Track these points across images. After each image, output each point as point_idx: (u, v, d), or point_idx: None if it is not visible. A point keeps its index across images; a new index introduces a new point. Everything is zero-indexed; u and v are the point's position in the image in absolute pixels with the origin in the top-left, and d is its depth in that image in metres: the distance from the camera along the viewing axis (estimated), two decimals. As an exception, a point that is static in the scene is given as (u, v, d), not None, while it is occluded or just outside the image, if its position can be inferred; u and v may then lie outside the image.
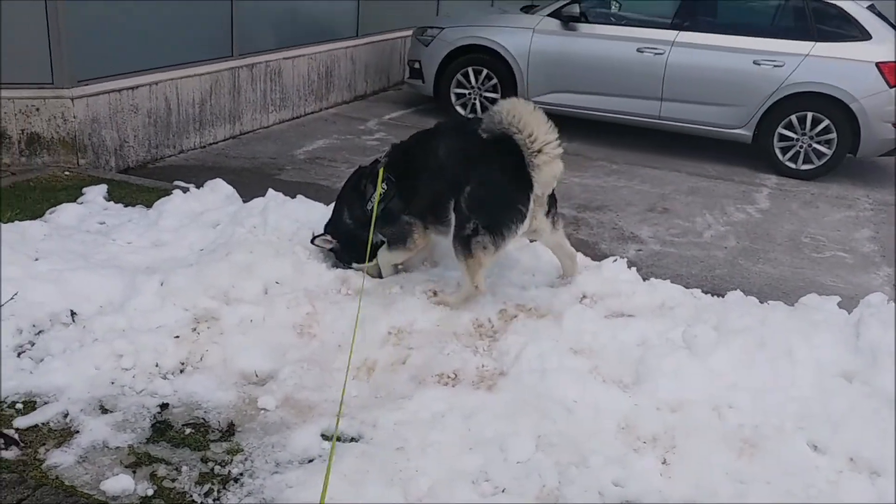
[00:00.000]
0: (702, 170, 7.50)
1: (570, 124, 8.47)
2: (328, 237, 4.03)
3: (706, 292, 4.18)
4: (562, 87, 8.04)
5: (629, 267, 4.22)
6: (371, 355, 3.43)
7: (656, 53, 7.66)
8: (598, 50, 7.87)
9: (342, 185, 4.18)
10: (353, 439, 2.92)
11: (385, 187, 3.85)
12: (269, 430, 2.94)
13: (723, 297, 4.10)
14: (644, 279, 4.18)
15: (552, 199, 3.85)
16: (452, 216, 3.71)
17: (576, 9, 7.98)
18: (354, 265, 4.03)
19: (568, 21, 8.01)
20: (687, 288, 4.16)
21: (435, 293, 3.90)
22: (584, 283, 4.01)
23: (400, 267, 4.14)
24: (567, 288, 3.99)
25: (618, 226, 5.78)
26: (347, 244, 4.00)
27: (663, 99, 7.73)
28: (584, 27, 7.99)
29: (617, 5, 8.81)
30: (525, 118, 3.51)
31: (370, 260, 3.99)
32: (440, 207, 3.76)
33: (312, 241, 4.06)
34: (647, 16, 8.53)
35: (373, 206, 3.84)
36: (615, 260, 4.21)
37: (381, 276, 4.09)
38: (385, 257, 4.03)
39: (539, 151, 3.53)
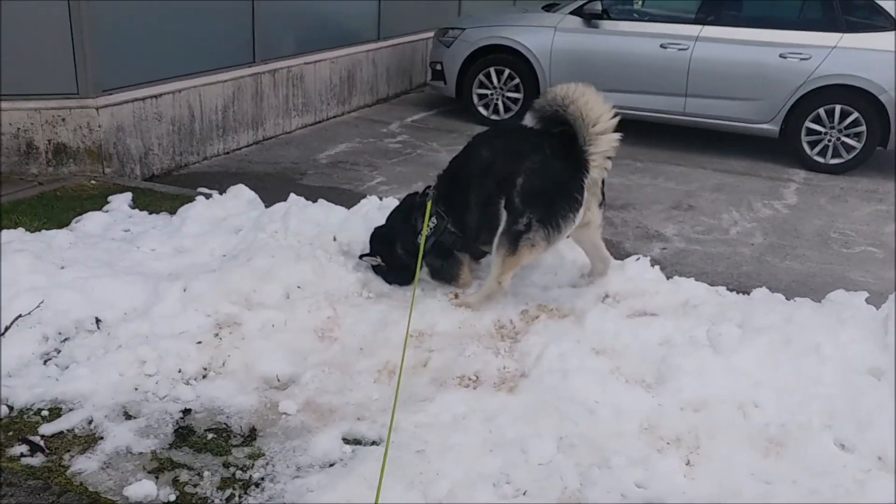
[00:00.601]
0: (728, 166, 7.41)
1: (593, 122, 8.43)
2: (378, 259, 3.99)
3: (732, 290, 4.12)
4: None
5: (653, 265, 4.17)
6: (392, 358, 3.42)
7: (680, 49, 7.59)
8: (620, 47, 7.82)
9: (392, 212, 4.13)
10: (373, 443, 2.92)
11: (434, 222, 3.82)
12: (290, 434, 2.96)
13: (748, 294, 4.04)
14: (668, 277, 4.13)
15: (602, 191, 3.81)
16: (503, 214, 3.62)
17: (598, 6, 7.93)
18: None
19: (590, 18, 7.96)
20: (712, 286, 4.10)
21: (456, 295, 3.89)
22: (607, 283, 3.97)
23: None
24: (589, 288, 3.96)
25: (642, 224, 5.73)
26: (398, 271, 3.97)
27: (688, 95, 7.65)
28: (606, 24, 7.94)
29: (640, 1, 8.75)
30: (579, 90, 3.51)
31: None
32: (492, 217, 3.68)
33: (361, 258, 4.05)
34: (670, 11, 8.45)
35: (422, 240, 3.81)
36: (638, 258, 4.17)
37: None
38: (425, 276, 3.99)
39: (595, 123, 3.50)
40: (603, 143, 3.54)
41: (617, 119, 3.54)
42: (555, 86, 3.62)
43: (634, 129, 8.16)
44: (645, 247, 5.27)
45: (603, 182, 3.76)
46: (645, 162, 7.36)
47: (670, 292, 3.97)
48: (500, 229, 3.64)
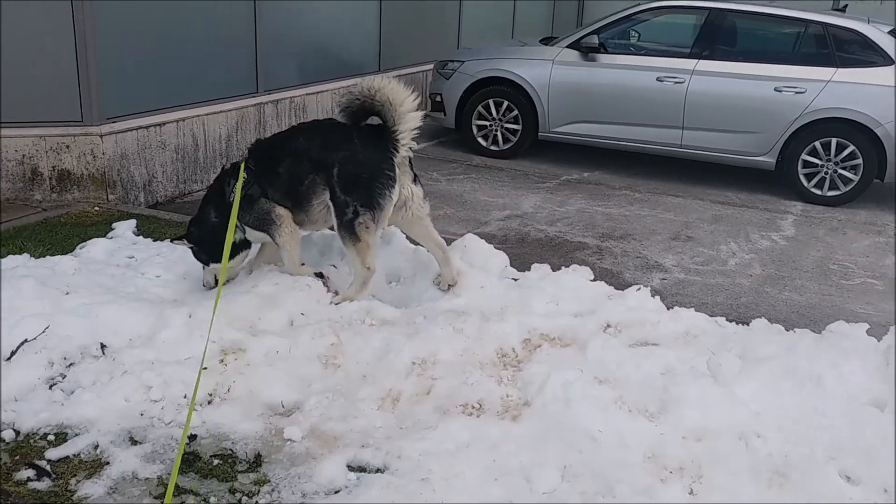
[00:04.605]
0: (725, 198, 7.48)
1: (591, 154, 8.52)
2: (184, 240, 4.09)
3: (731, 320, 4.16)
4: (582, 117, 8.09)
5: (653, 295, 4.21)
6: (396, 386, 3.43)
7: (676, 82, 7.69)
8: (617, 80, 7.92)
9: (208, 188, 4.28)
10: (378, 470, 2.93)
11: (245, 176, 3.92)
12: (295, 460, 2.96)
13: (748, 325, 4.07)
14: (668, 308, 4.16)
15: (411, 168, 4.07)
16: (331, 206, 3.90)
17: (595, 39, 8.04)
18: (212, 265, 4.08)
19: (587, 52, 8.07)
20: (712, 316, 4.14)
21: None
22: (609, 312, 4.00)
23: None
24: (591, 317, 3.98)
25: (642, 254, 5.78)
26: (208, 242, 4.02)
27: (684, 128, 7.74)
28: (603, 57, 8.04)
29: (636, 35, 8.88)
30: (384, 81, 3.87)
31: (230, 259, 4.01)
32: (307, 195, 3.92)
33: (172, 241, 4.29)
34: (666, 45, 8.59)
35: (234, 197, 3.89)
36: (639, 289, 4.20)
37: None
38: (283, 248, 4.02)
39: (402, 104, 3.84)
40: (410, 121, 3.88)
41: (418, 100, 3.91)
42: (360, 81, 3.92)
43: (632, 161, 8.31)
44: (645, 277, 5.31)
45: (410, 160, 4.03)
46: (643, 193, 7.43)
47: (671, 322, 4.00)
48: (336, 224, 3.91)
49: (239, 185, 3.84)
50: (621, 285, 4.55)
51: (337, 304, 3.95)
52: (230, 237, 3.60)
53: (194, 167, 6.58)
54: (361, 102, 3.90)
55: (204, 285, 4.18)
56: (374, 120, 3.99)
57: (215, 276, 4.11)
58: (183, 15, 6.32)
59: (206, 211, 4.08)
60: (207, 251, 4.04)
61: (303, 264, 4.11)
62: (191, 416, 2.25)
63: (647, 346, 3.75)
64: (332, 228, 4.04)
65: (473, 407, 3.32)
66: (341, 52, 8.75)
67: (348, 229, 3.89)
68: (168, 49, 6.24)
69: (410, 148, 3.95)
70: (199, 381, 2.49)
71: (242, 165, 3.96)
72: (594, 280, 4.42)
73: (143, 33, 6.00)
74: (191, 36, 6.44)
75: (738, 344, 3.73)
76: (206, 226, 4.02)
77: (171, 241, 4.24)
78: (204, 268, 4.15)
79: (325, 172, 3.87)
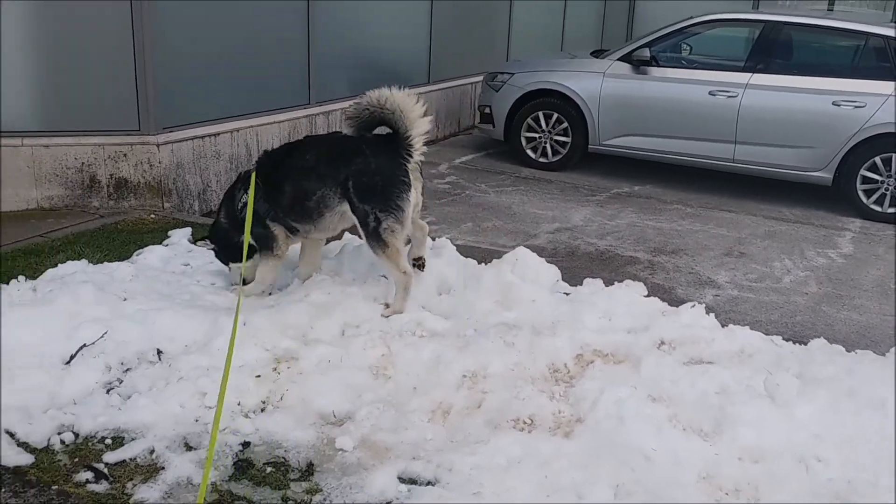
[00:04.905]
0: (779, 213, 7.33)
1: (642, 168, 8.44)
2: (207, 241, 4.35)
3: (787, 339, 4.07)
4: (633, 130, 8.02)
5: (707, 313, 4.14)
6: (446, 398, 3.43)
7: (729, 96, 7.58)
8: (669, 93, 7.83)
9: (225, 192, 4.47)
10: (429, 483, 2.92)
11: (258, 183, 4.05)
12: (346, 470, 2.97)
13: (805, 344, 3.98)
14: (722, 325, 4.09)
15: (420, 174, 4.14)
16: (353, 217, 3.96)
17: (646, 52, 7.97)
18: (231, 265, 4.29)
19: (639, 65, 8.00)
20: (766, 335, 4.06)
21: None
22: (663, 329, 3.94)
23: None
24: (645, 333, 3.93)
25: (694, 270, 5.69)
26: (224, 245, 4.25)
27: (737, 142, 7.61)
28: (655, 71, 7.97)
29: (688, 49, 8.79)
30: (389, 91, 3.91)
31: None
32: (318, 208, 4.00)
33: (194, 242, 4.59)
34: (718, 59, 8.48)
35: (242, 207, 4.07)
36: (693, 305, 4.14)
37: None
38: (260, 271, 4.18)
39: (411, 111, 3.90)
40: (420, 126, 3.94)
41: (425, 107, 3.96)
42: (369, 93, 3.97)
43: (683, 175, 8.20)
44: (697, 293, 5.22)
45: (420, 168, 4.12)
46: (695, 207, 7.32)
47: (725, 340, 3.93)
48: (363, 235, 3.98)
49: (251, 193, 4.00)
50: (674, 301, 4.48)
51: (387, 317, 3.97)
52: (247, 241, 3.86)
53: (247, 177, 6.67)
54: (371, 112, 3.95)
55: (232, 286, 4.28)
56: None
57: (239, 274, 4.26)
58: (238, 28, 6.43)
59: (220, 216, 4.32)
60: (224, 252, 4.27)
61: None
62: (217, 422, 2.28)
63: (702, 364, 3.68)
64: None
65: (525, 422, 3.30)
66: (392, 64, 8.81)
67: (375, 237, 3.93)
68: (224, 61, 6.35)
69: (422, 153, 4.01)
70: (223, 389, 2.49)
71: (253, 176, 4.07)
72: (647, 296, 4.36)
73: (199, 45, 6.12)
74: (246, 49, 6.55)
75: (796, 364, 3.65)
76: (220, 230, 4.27)
77: (195, 241, 4.53)
78: (229, 268, 4.34)
79: (340, 185, 3.93)
